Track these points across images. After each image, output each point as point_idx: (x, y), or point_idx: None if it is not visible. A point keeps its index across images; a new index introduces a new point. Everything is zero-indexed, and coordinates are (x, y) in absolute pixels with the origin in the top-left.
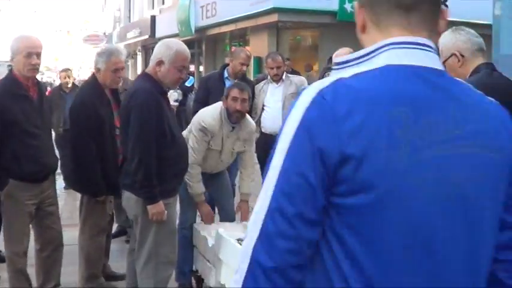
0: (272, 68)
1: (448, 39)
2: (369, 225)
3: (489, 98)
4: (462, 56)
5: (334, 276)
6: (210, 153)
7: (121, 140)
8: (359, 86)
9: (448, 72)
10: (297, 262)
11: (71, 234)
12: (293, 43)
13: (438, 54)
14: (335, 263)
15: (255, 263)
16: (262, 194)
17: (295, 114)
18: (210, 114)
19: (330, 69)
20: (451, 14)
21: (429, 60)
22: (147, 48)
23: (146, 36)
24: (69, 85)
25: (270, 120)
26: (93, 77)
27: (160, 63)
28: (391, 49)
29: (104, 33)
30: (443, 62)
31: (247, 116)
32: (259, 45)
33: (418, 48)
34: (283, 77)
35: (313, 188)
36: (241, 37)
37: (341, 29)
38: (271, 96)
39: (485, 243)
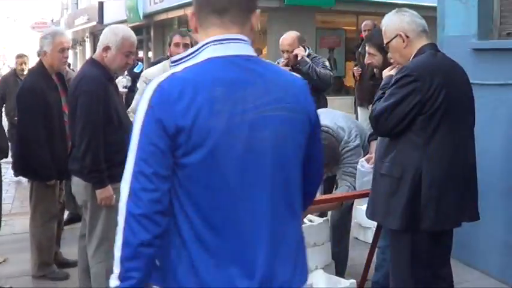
0: None
1: (392, 20)
2: (203, 174)
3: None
4: (407, 37)
5: (180, 215)
6: None
7: (69, 126)
8: (187, 76)
9: (392, 53)
10: (159, 209)
11: (22, 223)
12: None
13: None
14: (181, 206)
15: (128, 214)
16: (127, 163)
17: (144, 102)
18: (153, 67)
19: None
20: None
21: (241, 49)
22: (96, 35)
23: (94, 23)
24: (25, 72)
25: None
26: (40, 63)
27: (107, 49)
28: (211, 46)
29: (52, 20)
30: (387, 43)
31: None
32: None
33: (231, 42)
34: None
35: (163, 152)
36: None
37: (289, 12)
38: None
39: (293, 175)
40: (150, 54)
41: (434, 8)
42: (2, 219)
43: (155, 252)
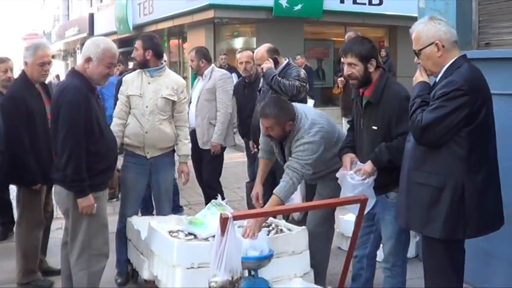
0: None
1: (428, 27)
2: None
3: None
4: (443, 46)
5: None
6: (134, 101)
7: (51, 134)
8: None
9: (424, 60)
10: None
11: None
12: (230, 39)
13: None
14: None
15: None
16: None
17: None
18: (130, 73)
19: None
20: (387, 8)
21: None
22: None
23: (85, 34)
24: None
25: (191, 116)
26: (23, 72)
27: (88, 60)
28: None
29: (44, 32)
30: (420, 50)
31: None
32: (196, 42)
33: None
34: (205, 72)
35: None
36: (179, 34)
37: (277, 24)
38: (195, 91)
39: None
40: None
41: (416, 18)
42: None
43: None
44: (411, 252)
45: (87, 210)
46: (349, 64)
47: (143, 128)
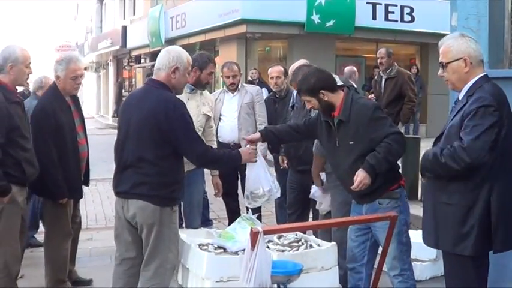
0: (228, 77)
1: (459, 42)
2: None
3: None
4: (470, 63)
5: None
6: None
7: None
8: None
9: (450, 74)
10: None
11: (39, 239)
12: (262, 54)
13: None
14: None
15: None
16: None
17: None
18: None
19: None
20: (418, 25)
21: None
22: (119, 59)
23: (117, 47)
24: None
25: (227, 129)
26: (54, 85)
27: (176, 70)
28: None
29: (76, 43)
30: (448, 63)
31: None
32: (228, 56)
33: None
34: (239, 86)
35: None
36: (210, 48)
37: (309, 39)
38: (228, 105)
39: None
40: None
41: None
42: None
43: None
44: (441, 270)
45: (251, 157)
46: (306, 100)
47: None
